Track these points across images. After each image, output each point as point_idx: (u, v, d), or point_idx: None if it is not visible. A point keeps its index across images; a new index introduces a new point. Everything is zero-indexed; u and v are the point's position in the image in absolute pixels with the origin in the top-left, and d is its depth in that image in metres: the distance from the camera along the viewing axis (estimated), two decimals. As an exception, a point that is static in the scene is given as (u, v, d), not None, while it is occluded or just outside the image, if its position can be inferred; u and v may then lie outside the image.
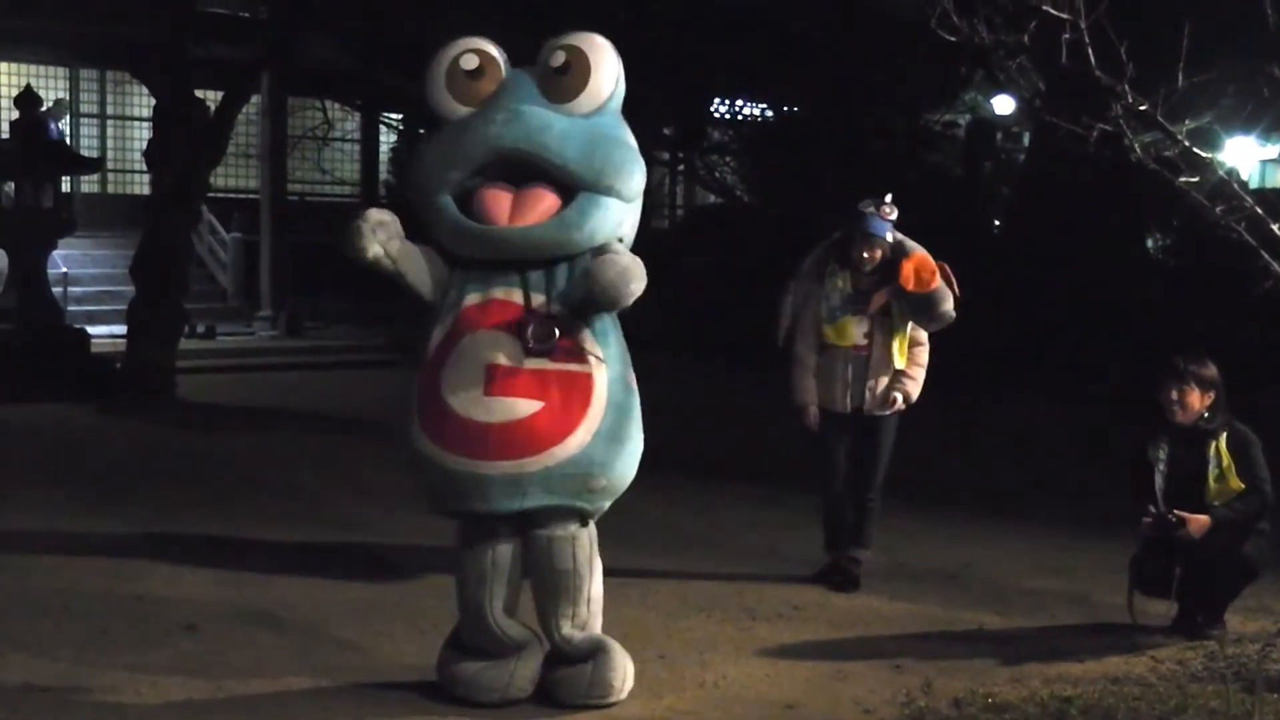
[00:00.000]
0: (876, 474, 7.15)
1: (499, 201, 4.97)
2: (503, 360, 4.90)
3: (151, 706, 5.14)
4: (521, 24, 14.03)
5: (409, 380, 5.10)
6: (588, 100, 5.09)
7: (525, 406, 4.90)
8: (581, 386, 4.98)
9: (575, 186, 5.00)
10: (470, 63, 5.04)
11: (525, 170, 4.99)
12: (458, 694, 5.16)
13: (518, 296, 5.00)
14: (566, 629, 5.16)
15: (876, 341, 6.98)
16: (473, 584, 5.10)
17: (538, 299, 4.99)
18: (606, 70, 5.13)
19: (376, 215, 5.05)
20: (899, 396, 7.00)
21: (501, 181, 4.99)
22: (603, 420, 4.98)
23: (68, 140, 20.31)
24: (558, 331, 4.94)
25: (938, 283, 6.76)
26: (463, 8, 16.12)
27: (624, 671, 5.24)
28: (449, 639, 5.30)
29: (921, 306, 6.84)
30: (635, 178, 5.12)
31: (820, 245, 7.18)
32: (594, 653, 5.20)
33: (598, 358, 5.02)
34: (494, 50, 5.12)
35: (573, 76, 5.07)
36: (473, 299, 5.02)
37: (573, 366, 4.97)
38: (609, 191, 5.04)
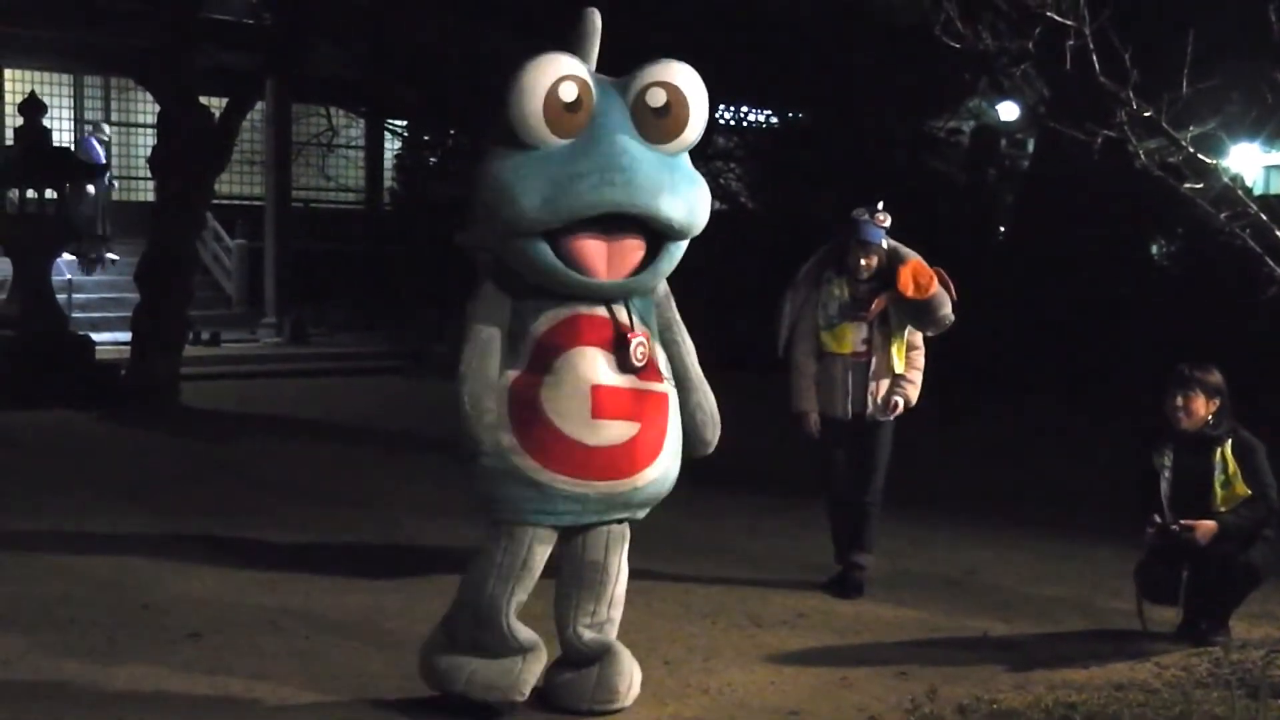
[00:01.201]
0: (877, 477, 7.16)
1: (597, 255, 4.87)
2: (602, 380, 4.90)
3: (156, 712, 5.13)
4: (527, 29, 14.07)
5: (488, 388, 4.88)
6: (681, 144, 5.01)
7: (627, 429, 4.94)
8: (663, 406, 5.05)
9: (669, 238, 4.97)
10: (570, 94, 4.76)
11: (629, 222, 4.89)
12: (455, 689, 5.08)
13: (602, 312, 4.97)
14: (581, 626, 5.17)
15: (875, 347, 7.00)
16: (495, 581, 5.03)
17: (622, 314, 4.99)
18: (701, 113, 5.02)
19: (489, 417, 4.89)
20: (899, 401, 7.02)
21: (596, 229, 4.85)
22: (674, 438, 5.13)
23: (107, 156, 20.38)
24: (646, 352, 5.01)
25: (935, 288, 6.80)
26: (468, 14, 16.15)
27: (630, 678, 5.25)
28: (439, 635, 5.21)
29: (920, 311, 6.87)
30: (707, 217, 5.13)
31: (816, 253, 7.20)
32: (601, 656, 5.20)
33: (668, 378, 5.11)
34: (587, 76, 4.86)
35: (673, 120, 4.95)
36: (560, 313, 4.95)
37: (655, 386, 5.03)
38: (690, 236, 5.04)
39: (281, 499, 9.29)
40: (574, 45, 5.01)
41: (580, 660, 5.20)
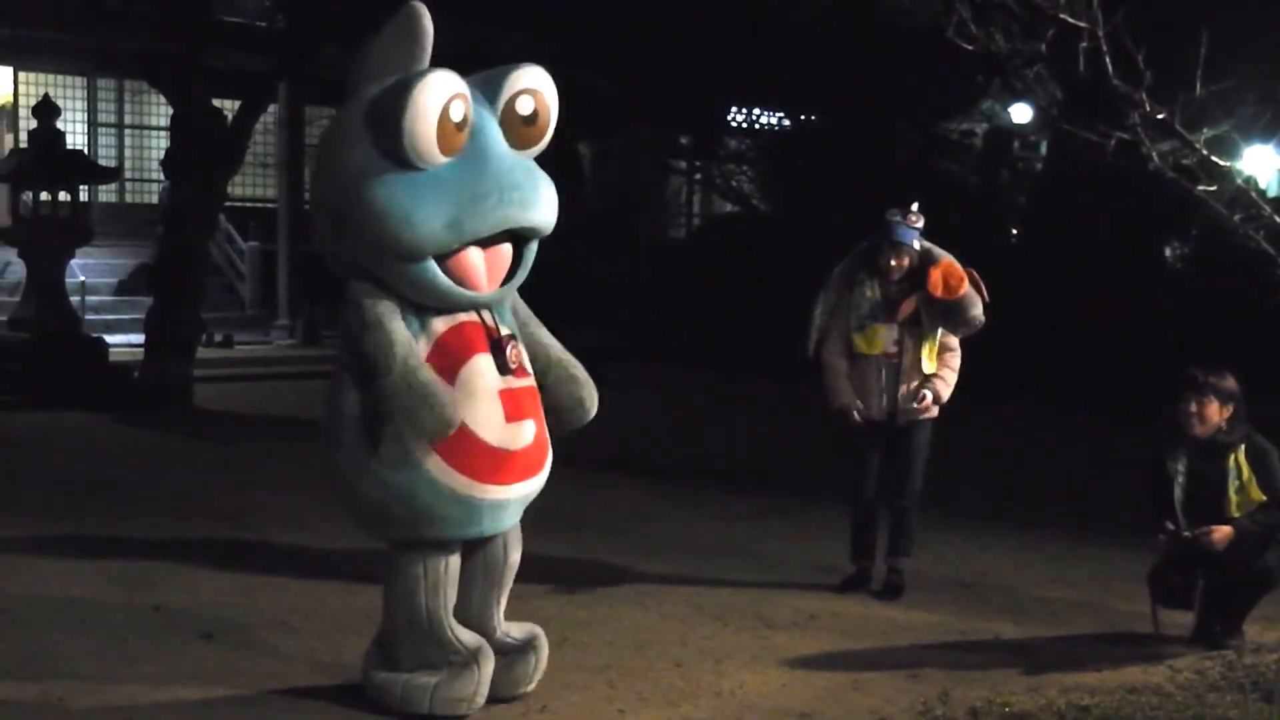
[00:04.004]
0: (912, 479, 7.15)
1: (479, 270, 4.94)
2: (502, 385, 4.98)
3: (169, 713, 5.15)
4: (539, 34, 14.08)
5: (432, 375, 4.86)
6: (540, 148, 5.11)
7: (532, 428, 5.06)
8: (539, 399, 5.16)
9: (531, 241, 5.09)
10: (459, 114, 4.77)
11: (503, 234, 4.97)
12: (420, 711, 5.05)
13: (475, 318, 5.02)
14: (503, 621, 5.33)
15: (907, 348, 6.98)
16: (426, 596, 5.05)
17: (488, 318, 5.05)
18: (555, 116, 5.12)
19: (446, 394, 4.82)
20: (929, 395, 6.98)
21: (476, 244, 4.91)
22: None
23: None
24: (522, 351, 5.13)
25: (966, 289, 6.79)
26: (478, 18, 16.17)
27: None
28: (377, 660, 5.22)
29: (951, 312, 6.86)
30: None
31: (849, 255, 7.19)
32: (533, 641, 5.34)
33: (531, 372, 5.16)
34: (468, 90, 4.85)
35: (540, 126, 5.05)
36: (441, 324, 4.96)
37: (530, 382, 5.12)
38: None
39: (293, 501, 9.28)
40: (407, 46, 4.92)
41: (511, 651, 5.28)
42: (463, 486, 4.89)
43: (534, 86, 5.02)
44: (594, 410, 5.26)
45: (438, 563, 5.05)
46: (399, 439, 4.82)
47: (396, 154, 4.74)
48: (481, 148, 4.88)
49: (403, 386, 4.72)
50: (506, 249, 5.01)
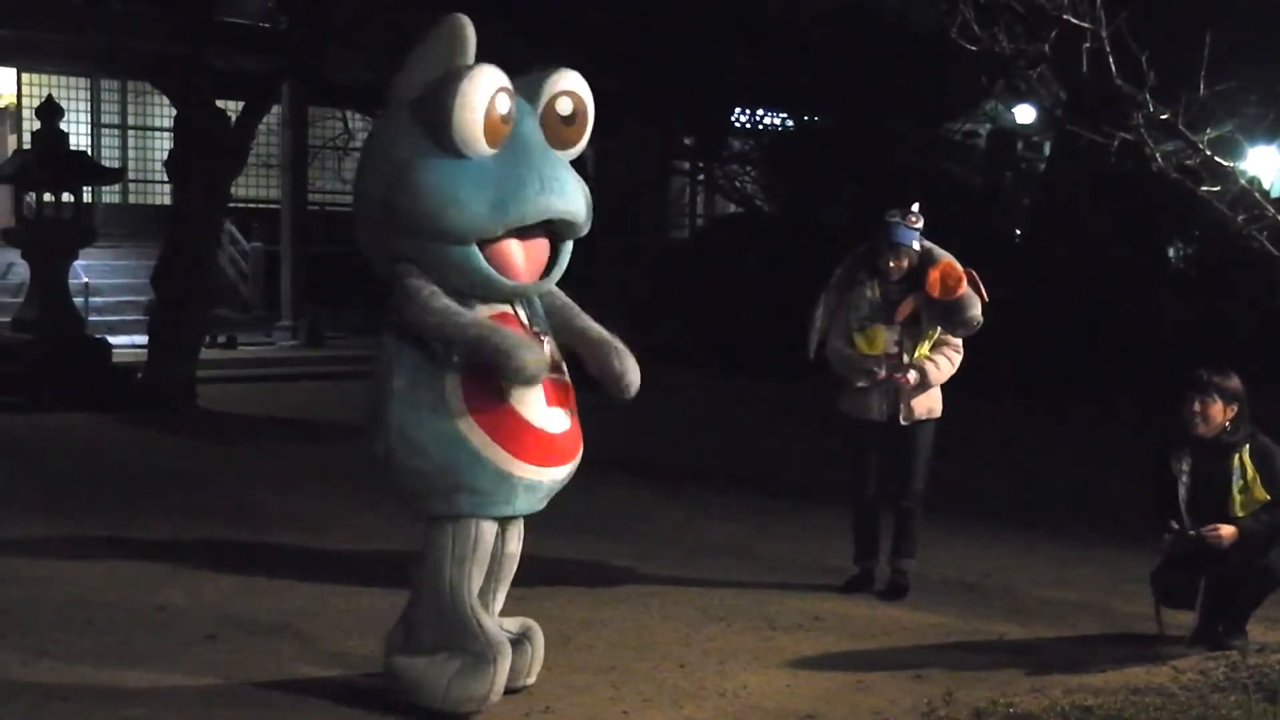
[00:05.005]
0: (914, 480, 7.15)
1: (516, 257, 5.08)
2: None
3: (173, 714, 5.15)
4: (543, 34, 14.08)
5: (433, 390, 5.02)
6: (578, 149, 5.27)
7: (568, 416, 5.20)
8: (573, 394, 5.28)
9: (567, 238, 5.22)
10: (504, 106, 4.96)
11: (538, 227, 5.09)
12: (433, 705, 5.06)
13: (511, 311, 5.16)
14: (498, 615, 5.37)
15: (907, 349, 6.98)
16: (452, 568, 5.12)
17: (521, 314, 5.20)
18: (592, 121, 5.28)
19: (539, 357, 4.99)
20: (914, 372, 6.94)
21: (515, 235, 5.06)
22: None
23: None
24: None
25: (964, 289, 6.78)
26: (482, 19, 16.15)
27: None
28: (400, 639, 5.25)
29: (949, 313, 6.86)
30: None
31: (849, 256, 7.18)
32: (528, 633, 5.42)
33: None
34: (511, 87, 5.03)
35: (578, 127, 5.23)
36: (485, 310, 5.10)
37: (564, 377, 5.26)
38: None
39: (296, 502, 9.30)
40: (451, 53, 5.05)
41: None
42: (503, 463, 5.00)
43: (574, 89, 5.20)
44: (636, 382, 5.26)
45: (466, 536, 5.12)
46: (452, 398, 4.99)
47: (444, 142, 4.93)
48: (523, 142, 5.05)
49: (489, 332, 4.90)
50: (544, 244, 5.15)
